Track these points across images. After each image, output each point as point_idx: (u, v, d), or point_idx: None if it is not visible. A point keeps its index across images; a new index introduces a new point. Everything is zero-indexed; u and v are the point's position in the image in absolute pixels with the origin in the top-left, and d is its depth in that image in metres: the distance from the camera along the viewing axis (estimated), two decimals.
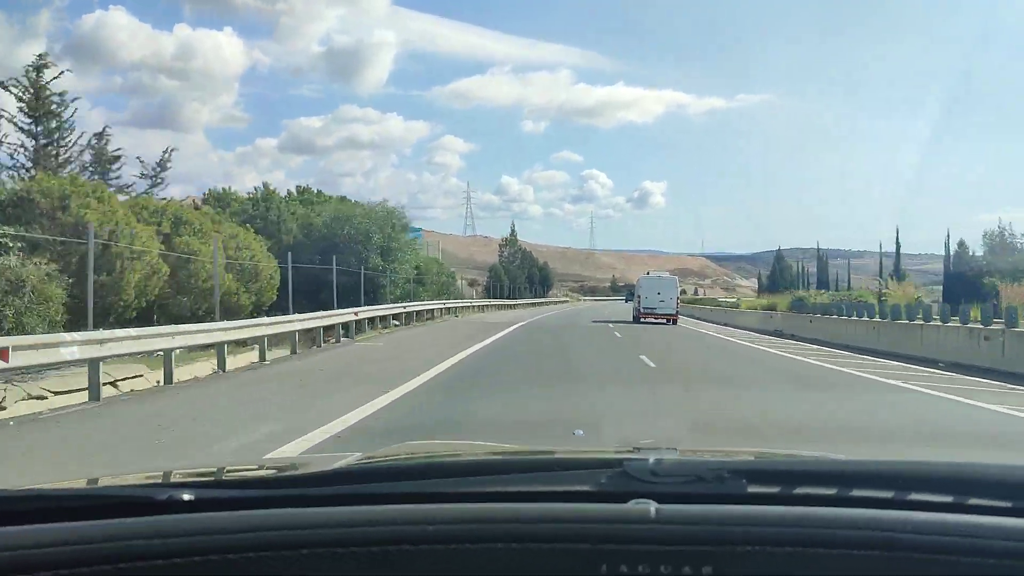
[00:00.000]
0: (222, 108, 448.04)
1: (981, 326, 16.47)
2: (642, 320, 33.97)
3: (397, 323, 27.98)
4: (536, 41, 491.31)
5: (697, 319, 45.28)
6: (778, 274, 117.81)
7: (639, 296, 35.42)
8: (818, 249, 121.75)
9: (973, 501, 1.14)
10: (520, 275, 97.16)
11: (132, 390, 10.92)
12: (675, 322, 34.07)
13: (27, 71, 21.23)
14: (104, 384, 10.07)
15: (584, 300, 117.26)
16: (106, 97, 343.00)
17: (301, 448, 6.59)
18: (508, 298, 73.97)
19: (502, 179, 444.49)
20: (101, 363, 9.95)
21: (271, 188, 37.49)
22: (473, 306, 47.63)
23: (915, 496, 1.16)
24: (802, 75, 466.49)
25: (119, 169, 24.01)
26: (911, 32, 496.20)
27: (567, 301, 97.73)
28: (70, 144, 22.38)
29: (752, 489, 1.17)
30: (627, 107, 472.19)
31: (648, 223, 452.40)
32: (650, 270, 40.61)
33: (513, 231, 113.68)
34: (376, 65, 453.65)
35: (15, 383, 9.46)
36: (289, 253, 23.04)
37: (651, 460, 1.21)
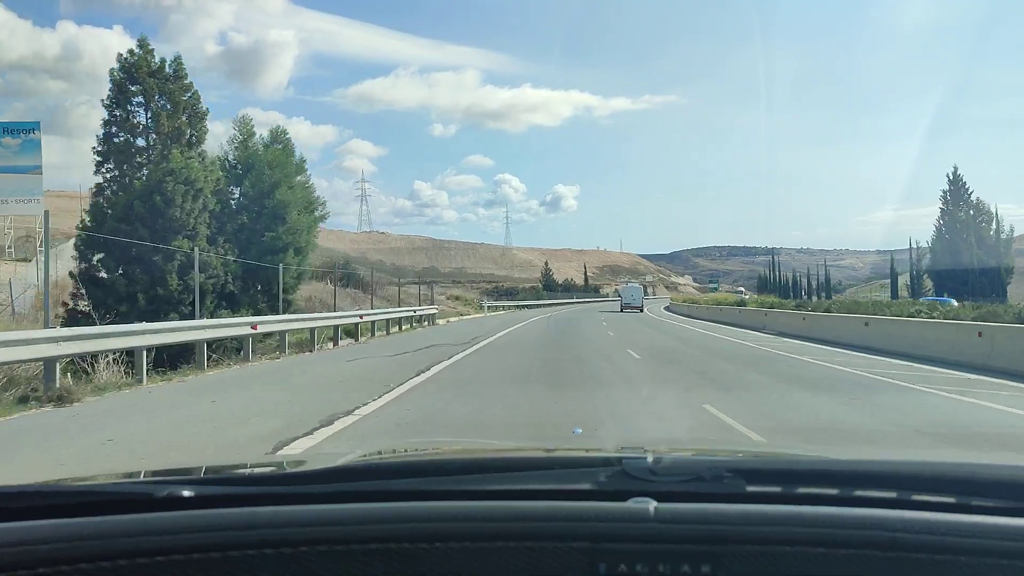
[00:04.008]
0: None
1: None
2: (624, 311, 57.05)
3: None
4: (440, 42, 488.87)
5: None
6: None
7: (622, 297, 63.85)
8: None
9: (976, 502, 1.15)
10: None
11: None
12: (642, 310, 57.64)
13: None
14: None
15: (495, 308, 57.41)
16: None
17: None
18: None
19: (415, 184, 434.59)
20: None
21: None
22: None
23: (917, 496, 1.17)
24: (706, 75, 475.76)
25: None
26: (814, 34, 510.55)
27: (431, 312, 35.41)
28: None
29: (751, 488, 1.18)
30: (535, 110, 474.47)
31: (562, 225, 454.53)
32: (628, 281, 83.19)
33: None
34: (276, 66, 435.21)
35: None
36: None
37: (650, 459, 1.22)
